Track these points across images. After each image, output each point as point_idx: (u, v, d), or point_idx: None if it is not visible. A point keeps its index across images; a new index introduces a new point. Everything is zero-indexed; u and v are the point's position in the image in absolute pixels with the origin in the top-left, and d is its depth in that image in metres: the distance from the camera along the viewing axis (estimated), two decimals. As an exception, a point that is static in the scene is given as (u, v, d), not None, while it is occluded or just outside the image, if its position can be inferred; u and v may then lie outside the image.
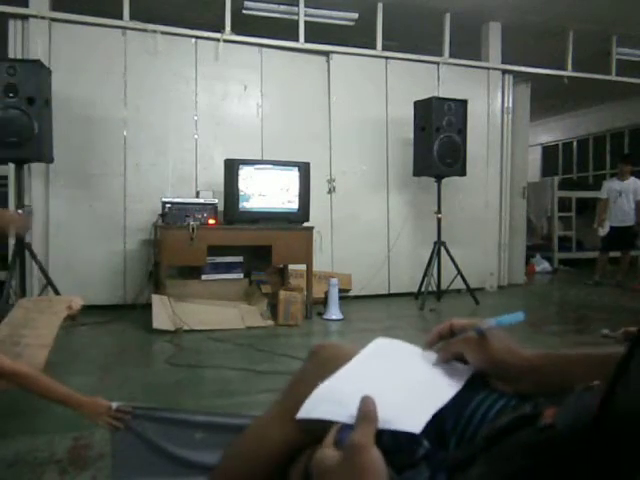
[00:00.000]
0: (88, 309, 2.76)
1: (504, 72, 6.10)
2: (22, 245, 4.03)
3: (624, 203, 6.39)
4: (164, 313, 3.83)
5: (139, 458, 1.45)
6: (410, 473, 0.67)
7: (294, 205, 4.52)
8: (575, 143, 11.04)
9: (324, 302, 4.41)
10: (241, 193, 4.39)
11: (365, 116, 5.49)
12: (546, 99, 7.83)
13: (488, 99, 6.00)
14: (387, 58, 5.60)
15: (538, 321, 4.21)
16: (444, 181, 5.19)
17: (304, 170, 4.53)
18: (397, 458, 0.66)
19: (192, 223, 4.09)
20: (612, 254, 6.64)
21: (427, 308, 4.79)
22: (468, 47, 5.90)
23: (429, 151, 4.93)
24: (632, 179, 6.44)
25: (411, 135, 5.22)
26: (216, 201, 4.40)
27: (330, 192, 5.36)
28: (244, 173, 4.40)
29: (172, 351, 3.30)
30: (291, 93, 5.27)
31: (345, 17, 5.74)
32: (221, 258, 4.46)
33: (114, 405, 1.48)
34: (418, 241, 5.57)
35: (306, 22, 5.38)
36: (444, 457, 0.71)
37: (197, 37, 4.95)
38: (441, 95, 5.33)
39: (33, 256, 4.08)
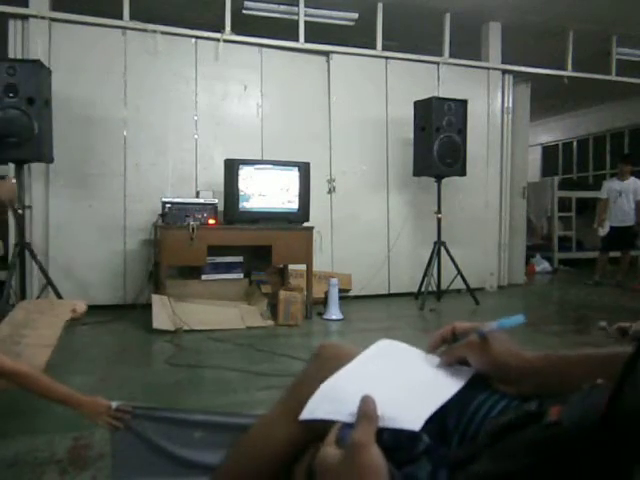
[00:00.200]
0: (88, 309, 2.76)
1: (504, 72, 6.10)
2: (22, 245, 4.03)
3: (624, 203, 6.39)
4: (164, 313, 3.83)
5: (139, 458, 1.45)
6: (411, 468, 0.67)
7: (294, 205, 4.52)
8: (575, 143, 11.04)
9: (324, 302, 4.41)
10: (241, 193, 4.39)
11: (365, 116, 5.49)
12: (546, 99, 7.83)
13: (488, 99, 6.00)
14: (387, 58, 5.60)
15: (538, 321, 4.21)
16: (444, 181, 5.19)
17: (304, 170, 4.53)
18: (397, 454, 0.66)
19: (192, 223, 4.09)
20: (612, 254, 6.64)
21: (427, 308, 4.79)
22: (468, 47, 5.90)
23: (429, 151, 4.93)
24: (632, 179, 6.44)
25: (411, 135, 5.22)
26: (216, 201, 4.40)
27: (330, 192, 5.36)
28: (244, 173, 4.40)
29: (172, 351, 3.30)
30: (291, 93, 5.27)
31: (345, 17, 5.75)
32: (221, 258, 4.46)
33: (114, 405, 1.48)
34: (418, 241, 5.57)
35: (306, 22, 5.38)
36: (446, 454, 0.71)
37: (197, 37, 4.95)
38: (441, 95, 5.33)
39: (33, 256, 4.08)
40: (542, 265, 8.03)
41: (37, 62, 3.91)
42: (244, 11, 5.42)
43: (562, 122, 11.00)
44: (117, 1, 4.74)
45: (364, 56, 5.53)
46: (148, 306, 3.98)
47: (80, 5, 4.56)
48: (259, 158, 4.94)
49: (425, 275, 5.13)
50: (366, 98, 5.50)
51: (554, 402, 0.63)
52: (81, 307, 2.49)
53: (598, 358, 0.74)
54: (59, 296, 4.07)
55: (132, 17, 4.79)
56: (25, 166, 4.21)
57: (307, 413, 0.78)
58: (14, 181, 3.22)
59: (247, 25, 5.28)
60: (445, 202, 5.21)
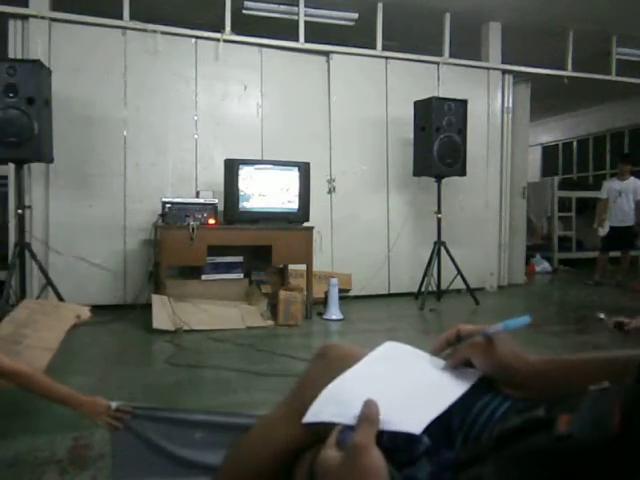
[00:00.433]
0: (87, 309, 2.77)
1: (504, 72, 6.10)
2: (22, 245, 4.03)
3: (624, 203, 6.39)
4: (164, 313, 3.83)
5: (139, 458, 1.45)
6: (411, 470, 0.67)
7: (294, 205, 4.52)
8: (575, 143, 11.04)
9: (324, 302, 4.41)
10: (241, 193, 4.39)
11: (365, 116, 5.49)
12: (546, 99, 7.82)
13: (488, 99, 6.00)
14: (387, 58, 5.60)
15: (539, 321, 4.20)
16: (444, 181, 5.19)
17: (304, 170, 4.53)
18: (397, 456, 0.67)
19: (192, 223, 4.09)
20: (612, 254, 6.64)
21: (427, 308, 4.79)
22: (468, 47, 5.90)
23: (429, 151, 4.93)
24: (632, 179, 6.44)
25: (411, 135, 5.22)
26: (216, 201, 4.40)
27: (330, 192, 5.36)
28: (244, 173, 4.40)
29: (172, 351, 3.30)
30: (291, 93, 5.27)
31: (345, 17, 5.74)
32: (221, 258, 4.46)
33: (114, 405, 1.48)
34: (418, 241, 5.57)
35: (306, 22, 5.38)
36: (447, 456, 0.71)
37: (197, 37, 4.95)
38: (441, 95, 5.33)
39: (33, 256, 4.08)
40: (542, 265, 8.03)
41: (37, 62, 3.91)
42: (244, 11, 5.42)
43: (562, 122, 11.00)
44: (117, 1, 4.74)
45: (364, 56, 5.53)
46: (148, 306, 3.98)
47: (80, 5, 4.56)
48: (259, 158, 4.94)
49: (425, 275, 5.13)
50: (366, 98, 5.50)
51: (562, 409, 0.62)
52: (85, 314, 2.50)
53: (604, 361, 0.74)
54: (59, 296, 4.08)
55: (132, 17, 4.79)
56: (25, 166, 4.21)
57: (311, 416, 0.78)
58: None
59: (247, 25, 5.28)
60: (445, 202, 5.21)
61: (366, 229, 5.43)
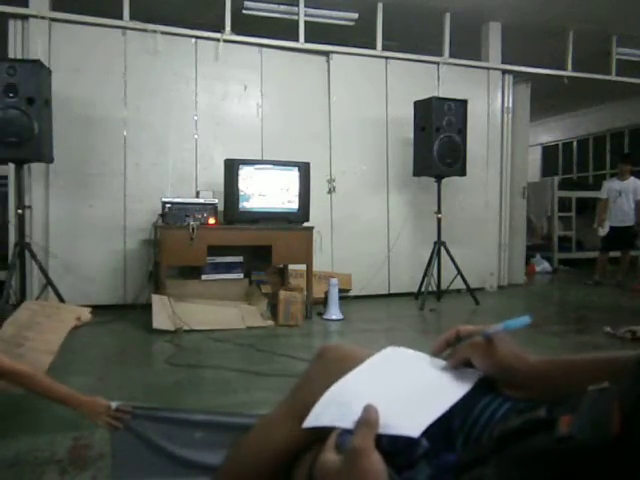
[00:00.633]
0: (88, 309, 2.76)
1: (504, 72, 6.10)
2: (22, 245, 4.03)
3: (624, 203, 6.39)
4: (164, 313, 3.83)
5: (139, 458, 1.45)
6: (410, 473, 0.67)
7: (294, 205, 4.52)
8: (575, 143, 11.04)
9: (324, 302, 4.41)
10: (241, 193, 4.39)
11: (365, 116, 5.49)
12: (546, 99, 7.82)
13: (488, 99, 6.00)
14: (387, 58, 5.60)
15: (539, 321, 4.20)
16: (444, 181, 5.19)
17: (304, 170, 4.53)
18: (396, 459, 0.67)
19: (192, 223, 4.09)
20: (612, 254, 6.64)
21: (427, 308, 4.79)
22: (468, 47, 5.90)
23: (429, 151, 4.93)
24: (632, 179, 6.43)
25: (411, 135, 5.22)
26: (216, 201, 4.39)
27: (330, 192, 5.36)
28: (244, 173, 4.40)
29: (172, 351, 3.30)
30: (291, 93, 5.27)
31: (345, 17, 5.74)
32: (221, 258, 4.46)
33: (113, 405, 1.48)
34: (418, 241, 5.57)
35: (306, 22, 5.38)
36: (447, 458, 0.71)
37: (197, 37, 4.95)
38: (441, 95, 5.33)
39: (33, 256, 4.08)
40: (542, 265, 8.03)
41: (37, 62, 3.91)
42: (244, 11, 5.42)
43: (562, 122, 11.00)
44: (117, 1, 4.74)
45: (364, 56, 5.53)
46: (148, 306, 3.98)
47: (80, 5, 4.56)
48: (259, 158, 4.94)
49: (425, 275, 5.13)
50: (366, 98, 5.50)
51: (563, 410, 0.62)
52: (86, 316, 2.50)
53: (604, 361, 0.73)
54: (59, 296, 4.07)
55: (132, 17, 4.79)
56: (25, 166, 4.21)
57: (311, 420, 0.78)
58: None
59: (247, 25, 5.27)
60: (445, 202, 5.21)
61: (366, 229, 5.43)
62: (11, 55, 4.44)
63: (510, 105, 6.18)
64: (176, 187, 4.82)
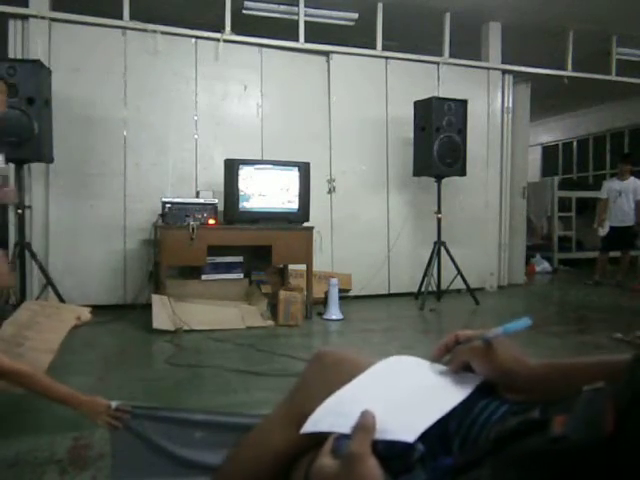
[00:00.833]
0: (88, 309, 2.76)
1: (504, 72, 6.10)
2: (22, 245, 4.03)
3: (624, 203, 6.39)
4: (164, 313, 3.83)
5: (139, 458, 1.45)
6: (406, 477, 0.68)
7: (294, 205, 4.52)
8: (575, 143, 11.04)
9: (324, 302, 4.41)
10: (241, 193, 4.39)
11: (365, 116, 5.49)
12: (546, 99, 7.82)
13: (488, 99, 6.00)
14: (387, 58, 5.60)
15: (539, 322, 4.20)
16: (444, 181, 5.19)
17: (304, 170, 4.53)
18: (393, 464, 0.67)
19: (192, 223, 4.09)
20: (612, 254, 6.64)
21: (427, 308, 4.78)
22: (468, 47, 5.90)
23: (429, 151, 4.93)
24: (632, 179, 6.43)
25: (411, 135, 5.22)
26: (216, 201, 4.39)
27: (330, 192, 5.36)
28: (244, 173, 4.40)
29: (172, 351, 3.30)
30: (291, 93, 5.27)
31: (345, 17, 5.74)
32: (221, 258, 4.46)
33: (113, 404, 1.48)
34: (418, 241, 5.57)
35: (306, 22, 5.38)
36: (447, 462, 0.71)
37: (197, 37, 4.95)
38: (441, 95, 5.33)
39: (33, 256, 4.08)
40: (542, 265, 8.03)
41: (37, 62, 3.91)
42: (244, 11, 5.42)
43: (562, 122, 11.00)
44: (117, 1, 4.74)
45: (364, 56, 5.53)
46: (148, 306, 3.98)
47: (80, 5, 4.56)
48: (259, 158, 4.94)
49: (425, 275, 5.13)
50: (366, 98, 5.50)
51: (557, 410, 0.62)
52: (85, 316, 2.50)
53: (606, 364, 0.73)
54: (59, 296, 4.08)
55: (132, 17, 4.79)
56: (25, 166, 4.21)
57: (310, 426, 0.78)
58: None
59: (247, 25, 5.27)
60: (445, 202, 5.21)
61: (366, 229, 5.43)
62: (11, 55, 4.44)
63: (510, 105, 6.18)
64: (176, 187, 4.82)
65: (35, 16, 4.46)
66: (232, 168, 4.38)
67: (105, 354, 3.29)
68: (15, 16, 4.47)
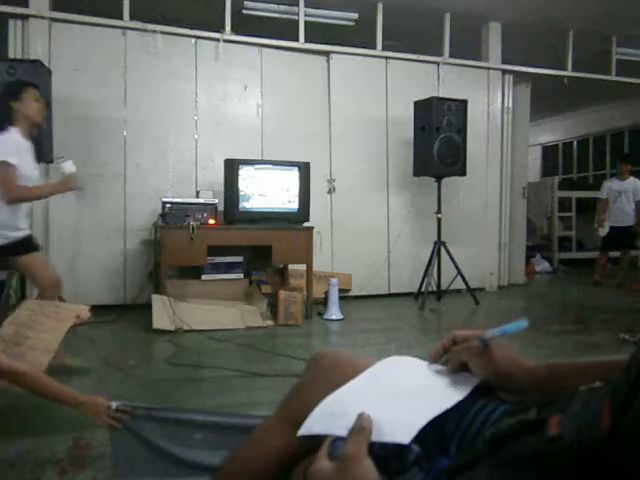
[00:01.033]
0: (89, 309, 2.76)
1: (504, 72, 6.10)
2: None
3: (624, 203, 6.38)
4: (164, 313, 3.83)
5: (139, 458, 1.45)
6: (402, 478, 0.68)
7: (294, 205, 4.52)
8: (575, 143, 11.04)
9: (324, 302, 4.42)
10: (241, 193, 4.39)
11: (365, 116, 5.49)
12: (546, 99, 7.82)
13: (488, 99, 6.00)
14: (387, 58, 5.60)
15: (539, 322, 4.20)
16: (444, 181, 5.19)
17: (304, 170, 4.53)
18: (389, 465, 0.67)
19: (192, 223, 4.09)
20: (612, 254, 6.63)
21: (427, 308, 4.79)
22: (468, 47, 5.89)
23: (429, 151, 4.93)
24: (632, 179, 6.43)
25: (411, 135, 5.22)
26: (216, 201, 4.39)
27: (330, 192, 5.36)
28: (244, 173, 4.40)
29: (172, 351, 3.30)
30: (291, 93, 5.27)
31: (345, 17, 5.74)
32: (221, 258, 4.46)
33: (113, 405, 1.48)
34: (418, 241, 5.57)
35: (306, 22, 5.38)
36: (443, 463, 0.71)
37: (197, 37, 4.95)
38: (441, 95, 5.33)
39: (33, 256, 4.07)
40: (542, 265, 8.03)
41: (37, 62, 3.91)
42: (244, 11, 5.42)
43: (562, 122, 11.00)
44: (117, 1, 4.74)
45: (364, 56, 5.53)
46: (148, 306, 3.98)
47: (80, 5, 4.56)
48: (259, 158, 4.94)
49: (425, 275, 5.13)
50: (366, 98, 5.50)
51: (553, 410, 0.61)
52: (85, 314, 2.50)
53: (603, 364, 0.73)
54: (59, 296, 4.07)
55: (132, 17, 4.79)
56: (25, 166, 4.20)
57: (306, 429, 0.78)
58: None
59: (247, 25, 5.28)
60: (445, 202, 5.21)
61: (366, 229, 5.43)
62: (11, 55, 4.44)
63: (510, 105, 6.18)
64: (176, 187, 4.82)
65: (35, 16, 4.46)
66: (232, 168, 4.38)
67: (105, 354, 3.29)
68: (15, 16, 4.47)
